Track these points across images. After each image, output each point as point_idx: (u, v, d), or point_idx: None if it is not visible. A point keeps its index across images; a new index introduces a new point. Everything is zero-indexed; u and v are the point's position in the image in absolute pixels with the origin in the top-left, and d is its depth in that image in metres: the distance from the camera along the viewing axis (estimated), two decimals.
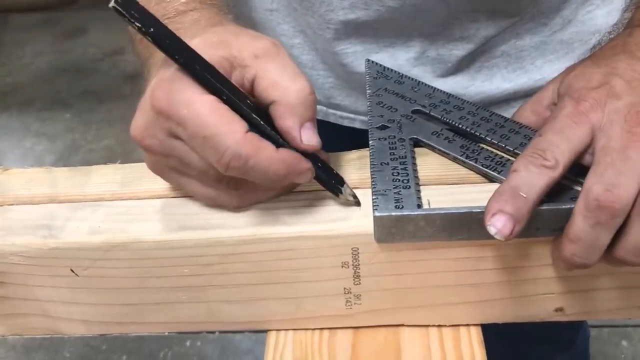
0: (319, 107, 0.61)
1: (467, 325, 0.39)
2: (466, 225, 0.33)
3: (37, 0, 2.97)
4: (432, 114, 0.40)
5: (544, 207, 0.32)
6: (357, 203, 0.36)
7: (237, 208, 0.36)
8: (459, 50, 0.54)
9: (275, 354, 0.38)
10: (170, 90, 0.32)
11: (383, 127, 0.39)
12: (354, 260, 0.36)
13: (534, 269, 0.36)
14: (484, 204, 0.32)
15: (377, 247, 0.35)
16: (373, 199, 0.34)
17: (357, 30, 0.53)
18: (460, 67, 0.55)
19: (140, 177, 0.39)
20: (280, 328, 0.39)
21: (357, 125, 0.61)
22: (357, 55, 0.55)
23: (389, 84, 0.42)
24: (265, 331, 0.40)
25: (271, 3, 0.56)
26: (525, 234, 0.32)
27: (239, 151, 0.31)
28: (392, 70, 0.43)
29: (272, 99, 0.33)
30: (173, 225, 0.35)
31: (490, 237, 0.31)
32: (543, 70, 0.56)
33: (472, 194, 0.36)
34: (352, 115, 0.61)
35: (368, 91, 0.42)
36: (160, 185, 0.38)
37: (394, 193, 0.34)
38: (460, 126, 0.39)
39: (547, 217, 0.32)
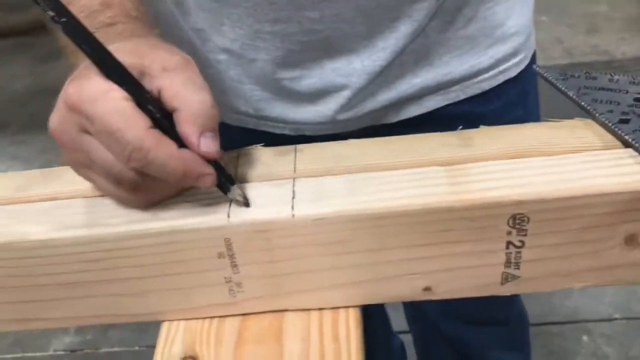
0: (248, 118, 0.64)
1: (346, 307, 0.41)
2: None
3: (14, 25, 3.01)
4: None
5: None
6: (246, 204, 0.38)
7: (138, 207, 0.38)
8: (381, 61, 0.57)
9: (167, 342, 0.41)
10: (81, 86, 0.35)
11: (624, 121, 0.40)
12: (229, 250, 0.38)
13: (395, 251, 0.38)
14: None
15: (247, 236, 0.38)
16: None
17: (283, 41, 0.55)
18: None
19: (34, 182, 0.41)
20: (174, 319, 0.42)
21: (287, 131, 0.64)
22: (276, 66, 0.57)
23: (583, 81, 0.44)
24: None
25: (196, 23, 0.58)
26: None
27: (141, 145, 0.34)
28: (572, 68, 0.46)
29: (175, 107, 0.35)
30: (58, 226, 0.38)
31: None
32: (450, 64, 0.60)
33: None
34: (281, 125, 0.64)
35: (570, 93, 0.43)
36: (51, 189, 0.41)
37: None
38: None
39: None
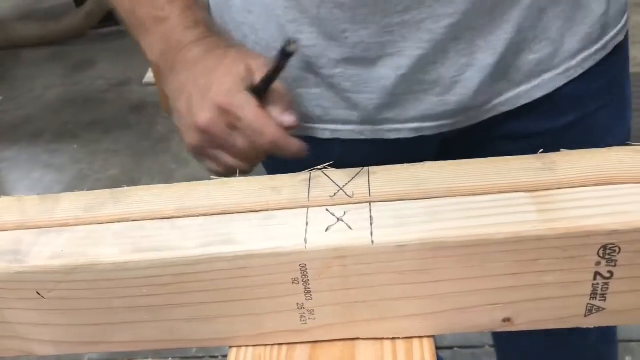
0: (363, 127, 0.60)
1: (420, 337, 0.40)
2: None
3: (47, 35, 3.06)
4: None
5: None
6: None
7: (246, 172, 0.52)
8: (506, 34, 0.55)
9: None
10: (230, 93, 0.50)
11: None
12: (303, 277, 0.37)
13: (478, 280, 0.37)
14: None
15: (323, 263, 0.36)
16: None
17: (411, 31, 0.53)
18: None
19: (102, 202, 0.41)
20: (241, 345, 0.41)
21: (404, 134, 0.59)
22: (402, 59, 0.55)
23: None
24: None
25: (309, 40, 0.56)
26: None
27: (278, 140, 0.50)
28: None
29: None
30: (129, 248, 0.37)
31: None
32: (565, 38, 0.58)
33: None
34: (399, 126, 0.59)
35: None
36: (122, 210, 0.40)
37: None
38: None
39: None
